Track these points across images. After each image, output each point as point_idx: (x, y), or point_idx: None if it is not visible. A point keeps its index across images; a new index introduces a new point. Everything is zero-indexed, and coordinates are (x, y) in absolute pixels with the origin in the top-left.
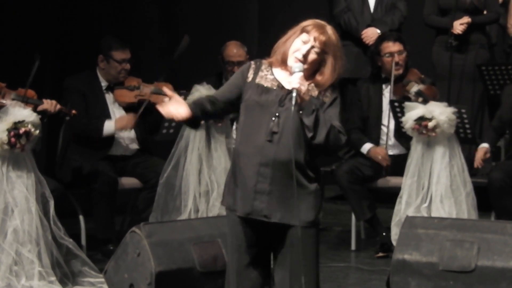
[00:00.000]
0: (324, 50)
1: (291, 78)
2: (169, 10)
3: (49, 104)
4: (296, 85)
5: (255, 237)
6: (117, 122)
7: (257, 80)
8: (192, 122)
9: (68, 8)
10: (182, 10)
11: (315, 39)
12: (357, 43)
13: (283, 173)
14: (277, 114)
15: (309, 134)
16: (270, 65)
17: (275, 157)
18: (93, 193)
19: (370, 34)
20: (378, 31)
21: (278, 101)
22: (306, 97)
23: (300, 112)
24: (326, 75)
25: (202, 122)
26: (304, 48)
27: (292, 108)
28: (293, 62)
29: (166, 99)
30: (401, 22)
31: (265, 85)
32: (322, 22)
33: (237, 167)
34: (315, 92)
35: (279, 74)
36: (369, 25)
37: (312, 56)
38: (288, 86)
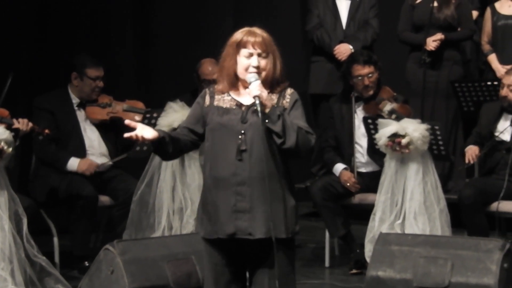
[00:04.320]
0: (267, 51)
1: (250, 88)
2: (143, 27)
3: (21, 124)
4: (257, 92)
5: (232, 256)
6: (80, 164)
7: (216, 103)
8: (160, 145)
9: (42, 26)
10: (156, 27)
11: (254, 46)
12: (330, 59)
13: (261, 188)
14: (242, 132)
15: (279, 141)
16: (223, 91)
17: (250, 174)
18: (74, 210)
19: (343, 50)
20: (351, 47)
21: (240, 118)
22: (268, 104)
23: (266, 121)
24: (268, 70)
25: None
26: (254, 60)
27: (259, 115)
28: (247, 75)
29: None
30: (374, 38)
31: (224, 106)
32: (248, 28)
33: (212, 192)
34: (273, 100)
35: (235, 95)
36: (341, 41)
37: (263, 62)
38: (246, 102)
